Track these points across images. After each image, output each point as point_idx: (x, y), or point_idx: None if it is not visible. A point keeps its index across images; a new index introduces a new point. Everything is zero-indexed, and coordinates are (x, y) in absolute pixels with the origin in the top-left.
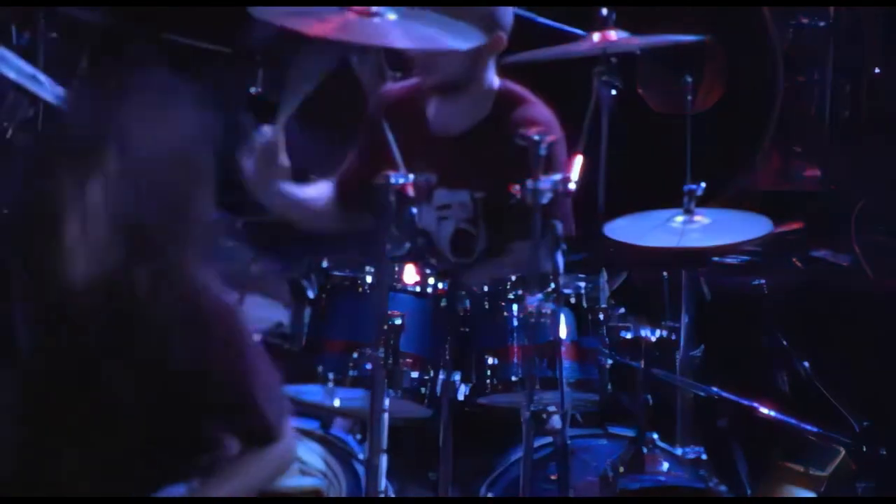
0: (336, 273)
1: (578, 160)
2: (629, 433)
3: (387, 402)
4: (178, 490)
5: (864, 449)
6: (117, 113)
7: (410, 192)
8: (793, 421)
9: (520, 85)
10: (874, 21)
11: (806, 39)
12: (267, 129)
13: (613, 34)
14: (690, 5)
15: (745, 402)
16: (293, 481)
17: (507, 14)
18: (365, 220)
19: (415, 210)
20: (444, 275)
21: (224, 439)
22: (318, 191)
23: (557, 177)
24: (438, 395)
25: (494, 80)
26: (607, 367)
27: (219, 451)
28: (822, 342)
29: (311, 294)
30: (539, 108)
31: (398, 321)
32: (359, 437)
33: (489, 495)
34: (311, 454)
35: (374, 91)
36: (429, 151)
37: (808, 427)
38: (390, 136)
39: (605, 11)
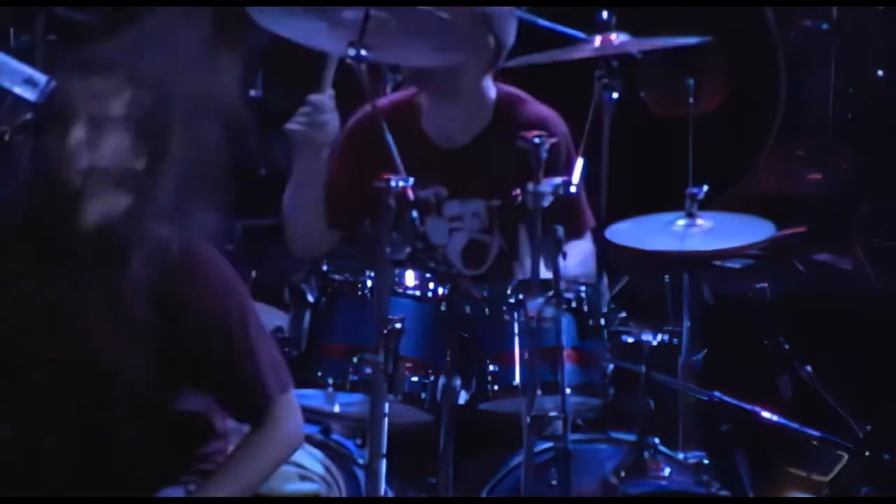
0: (336, 276)
1: (580, 163)
2: (631, 438)
3: (387, 406)
4: (176, 492)
5: (867, 454)
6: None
7: (411, 195)
8: (795, 426)
9: (520, 89)
10: (877, 23)
11: (808, 42)
12: (315, 96)
13: (614, 37)
14: (692, 5)
15: (748, 407)
16: (293, 486)
17: (508, 29)
18: (347, 234)
19: (415, 213)
20: (446, 279)
21: (218, 420)
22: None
23: (558, 180)
24: (439, 399)
25: (492, 90)
26: (609, 371)
27: (214, 435)
28: (825, 346)
29: (310, 298)
30: (538, 105)
31: (398, 325)
32: (359, 441)
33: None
34: (311, 459)
35: (374, 93)
36: (434, 164)
37: (811, 432)
38: (391, 142)
39: (605, 14)
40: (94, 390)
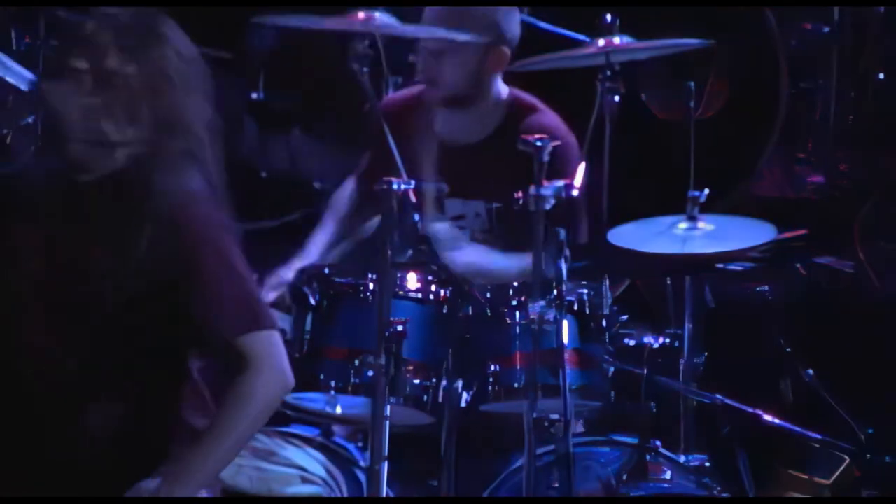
0: (338, 279)
1: (582, 166)
2: (632, 440)
3: (388, 409)
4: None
5: (869, 456)
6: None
7: (413, 198)
8: (797, 428)
9: (526, 92)
10: (878, 26)
11: (809, 45)
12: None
13: (617, 40)
14: (693, 5)
15: (749, 410)
16: (294, 489)
17: (514, 28)
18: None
19: (417, 216)
20: (447, 281)
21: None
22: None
23: (560, 183)
24: (441, 402)
25: (503, 92)
26: (610, 374)
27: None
28: (827, 349)
29: (312, 301)
30: (549, 116)
31: (400, 328)
32: (360, 444)
33: None
34: (313, 461)
35: (374, 98)
36: (440, 161)
37: (812, 434)
38: (392, 145)
39: (608, 17)
40: (91, 320)
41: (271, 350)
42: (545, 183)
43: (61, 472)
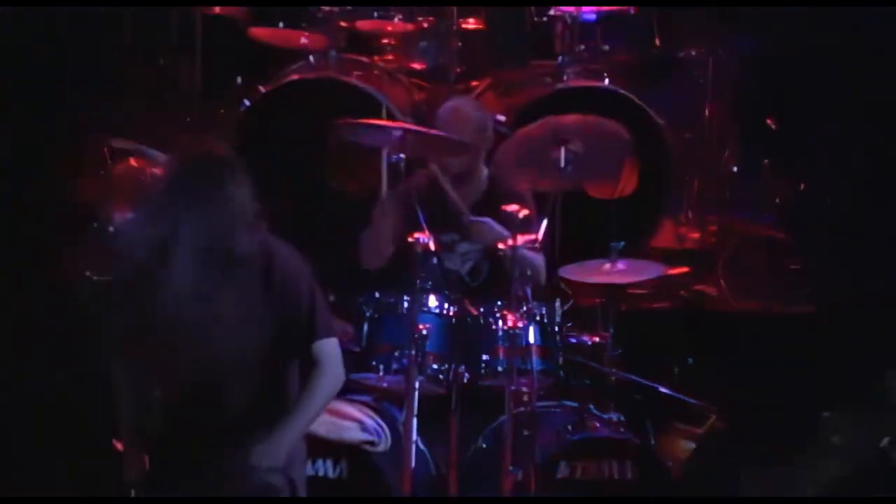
0: (384, 300)
1: (544, 224)
2: (575, 405)
3: (417, 384)
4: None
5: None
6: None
7: (433, 247)
8: (681, 396)
9: None
10: (736, 129)
11: (686, 146)
12: None
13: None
14: (694, 6)
15: (650, 384)
16: (355, 435)
17: (490, 122)
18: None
19: (435, 260)
20: (456, 301)
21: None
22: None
23: (530, 237)
24: (450, 379)
25: (485, 170)
26: (560, 362)
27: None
28: (701, 345)
29: (367, 313)
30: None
31: (424, 332)
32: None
33: (483, 445)
34: (367, 418)
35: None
36: (453, 220)
37: (691, 400)
38: (419, 211)
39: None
40: (222, 354)
41: (336, 354)
42: (519, 237)
43: (220, 424)
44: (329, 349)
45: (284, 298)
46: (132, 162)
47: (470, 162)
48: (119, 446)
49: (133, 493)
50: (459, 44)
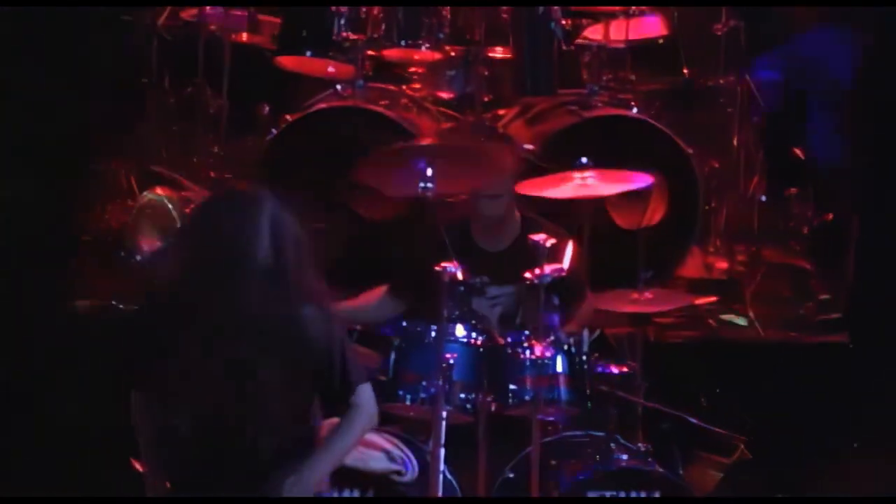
0: (410, 328)
1: (568, 254)
2: (602, 434)
3: (444, 413)
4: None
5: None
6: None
7: (460, 276)
8: (709, 426)
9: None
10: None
11: (716, 175)
12: None
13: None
14: (692, 5)
15: (678, 414)
16: (381, 465)
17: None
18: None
19: (462, 288)
20: (483, 331)
21: (315, 410)
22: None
23: (554, 267)
24: (477, 408)
25: (517, 214)
26: (588, 391)
27: (311, 422)
28: (728, 375)
29: (395, 343)
30: (549, 225)
31: (451, 361)
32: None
33: (510, 475)
34: (395, 447)
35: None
36: (483, 261)
37: (718, 430)
38: (447, 240)
39: (584, 160)
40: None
41: (370, 395)
42: (545, 268)
43: (246, 464)
44: (364, 394)
45: (316, 364)
46: (159, 191)
47: (505, 205)
48: (139, 468)
49: None
50: (487, 72)
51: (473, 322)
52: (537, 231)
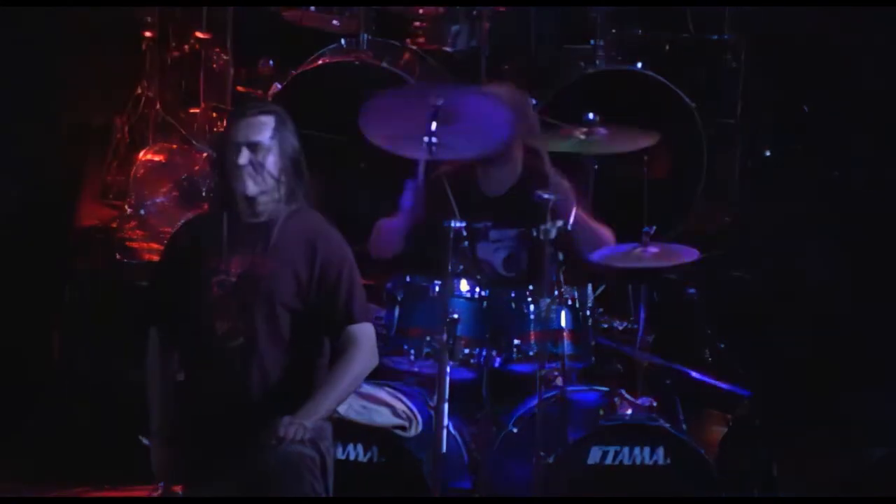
0: (415, 283)
1: (573, 211)
2: (605, 389)
3: (448, 368)
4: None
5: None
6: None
7: (464, 232)
8: (712, 380)
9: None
10: (769, 120)
11: (722, 134)
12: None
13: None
14: (692, 5)
15: (682, 369)
16: (386, 420)
17: (529, 107)
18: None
19: (466, 243)
20: (486, 285)
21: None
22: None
23: (560, 222)
24: (482, 363)
25: (520, 150)
26: (592, 346)
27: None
28: (733, 329)
29: (399, 297)
30: (548, 166)
31: (455, 316)
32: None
33: (514, 430)
34: (399, 402)
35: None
36: (484, 206)
37: (722, 384)
38: (451, 195)
39: (591, 115)
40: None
41: (371, 335)
42: (549, 222)
43: (246, 403)
44: (364, 332)
45: (324, 280)
46: (162, 145)
47: (507, 145)
48: (147, 442)
49: (161, 486)
50: (490, 26)
51: (478, 277)
52: (539, 177)
